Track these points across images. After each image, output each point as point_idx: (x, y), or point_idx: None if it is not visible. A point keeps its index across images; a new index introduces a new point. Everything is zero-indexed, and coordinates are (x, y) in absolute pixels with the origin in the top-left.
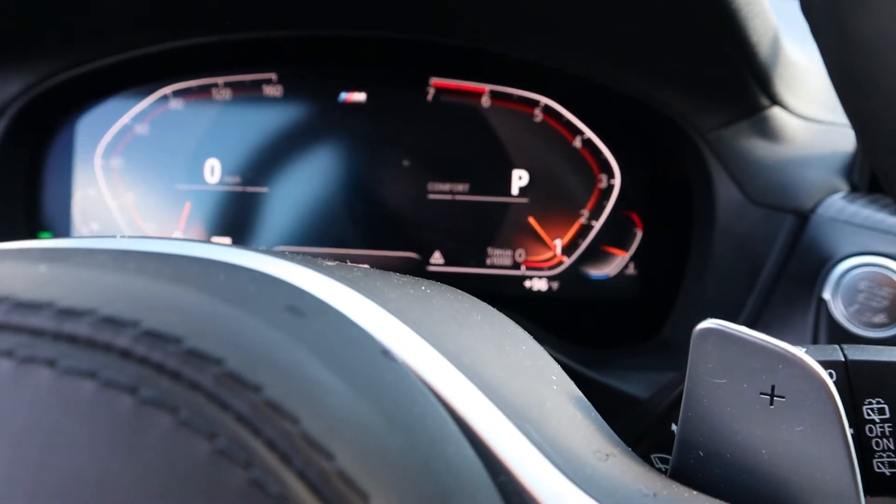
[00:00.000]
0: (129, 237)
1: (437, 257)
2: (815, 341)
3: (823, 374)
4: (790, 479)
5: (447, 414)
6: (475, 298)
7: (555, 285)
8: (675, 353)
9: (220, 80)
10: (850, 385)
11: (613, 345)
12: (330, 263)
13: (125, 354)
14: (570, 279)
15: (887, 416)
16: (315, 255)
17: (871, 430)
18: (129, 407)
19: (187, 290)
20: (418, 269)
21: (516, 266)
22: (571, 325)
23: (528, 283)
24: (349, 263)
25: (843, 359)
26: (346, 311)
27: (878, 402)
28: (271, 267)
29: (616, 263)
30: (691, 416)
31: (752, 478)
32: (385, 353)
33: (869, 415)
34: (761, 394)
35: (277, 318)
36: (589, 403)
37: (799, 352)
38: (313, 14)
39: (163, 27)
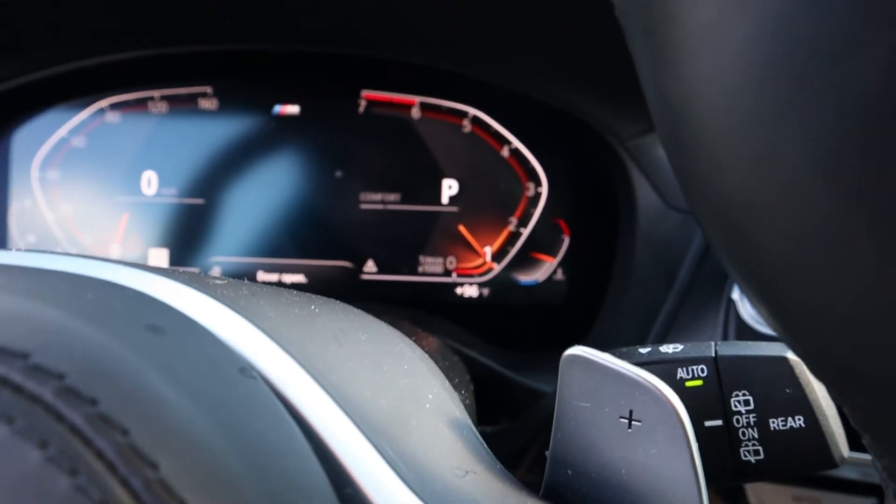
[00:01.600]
0: (25, 251)
1: (370, 266)
2: (724, 339)
3: (674, 399)
4: (646, 499)
5: (297, 429)
6: (371, 318)
7: (485, 291)
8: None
9: (156, 93)
10: (720, 379)
11: (543, 348)
12: (220, 281)
13: None
14: (500, 285)
15: (752, 407)
16: (251, 265)
17: (737, 421)
18: None
19: (44, 307)
20: (352, 278)
21: (447, 273)
22: (502, 330)
23: (459, 290)
24: (249, 281)
25: (713, 355)
26: (213, 329)
27: (744, 395)
28: (144, 284)
29: (544, 269)
30: (560, 436)
31: (614, 497)
32: (243, 370)
33: (736, 406)
34: (621, 417)
35: (131, 335)
36: (467, 422)
37: (653, 379)
38: (247, 29)
39: (99, 40)
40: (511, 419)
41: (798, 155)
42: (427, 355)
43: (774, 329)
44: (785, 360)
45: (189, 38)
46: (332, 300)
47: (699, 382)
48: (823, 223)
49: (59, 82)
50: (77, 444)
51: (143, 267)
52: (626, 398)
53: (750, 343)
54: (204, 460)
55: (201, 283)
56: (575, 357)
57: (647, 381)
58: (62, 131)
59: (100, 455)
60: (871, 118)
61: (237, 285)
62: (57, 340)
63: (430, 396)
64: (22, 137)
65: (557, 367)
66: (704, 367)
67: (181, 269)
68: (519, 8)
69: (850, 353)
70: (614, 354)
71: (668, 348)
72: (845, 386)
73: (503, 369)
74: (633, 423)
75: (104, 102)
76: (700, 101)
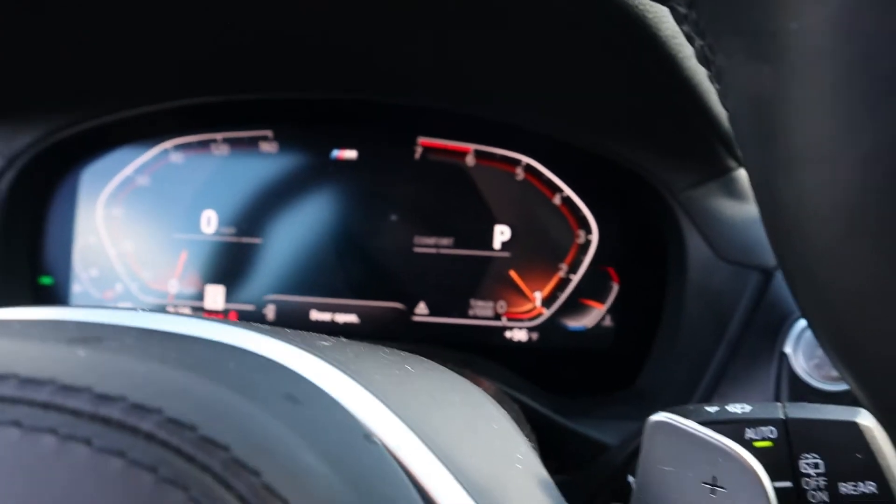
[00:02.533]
0: (148, 312)
1: (421, 308)
2: (777, 393)
3: (758, 468)
4: None
5: (417, 494)
6: (455, 375)
7: (534, 336)
8: (649, 402)
9: (218, 135)
10: (789, 441)
11: (590, 394)
12: (326, 342)
13: (150, 437)
14: (549, 330)
15: (822, 470)
16: (305, 304)
17: (807, 483)
18: (150, 483)
19: (202, 379)
20: (404, 319)
21: (497, 317)
22: (550, 375)
23: (508, 334)
24: (341, 339)
25: (783, 416)
26: (335, 396)
27: (813, 457)
28: (274, 351)
29: (593, 315)
30: (643, 498)
31: None
32: (367, 436)
33: (805, 469)
34: (703, 483)
35: (277, 406)
36: (550, 481)
37: (737, 447)
38: (309, 78)
39: (166, 88)
40: (560, 465)
41: None
42: (508, 414)
43: (856, 391)
44: (856, 424)
45: (252, 85)
46: (419, 357)
47: (769, 444)
48: None
49: (128, 124)
50: None
51: (258, 329)
52: (710, 464)
53: (819, 406)
54: None
55: (313, 346)
56: (661, 423)
57: (731, 448)
58: (128, 170)
59: None
60: None
61: (342, 346)
62: (216, 412)
63: (520, 457)
64: (89, 176)
65: (605, 413)
66: (774, 429)
67: (283, 329)
68: (573, 63)
69: None
70: (677, 412)
71: (735, 408)
72: None
73: (553, 414)
74: (716, 489)
75: (169, 144)
76: (814, 209)
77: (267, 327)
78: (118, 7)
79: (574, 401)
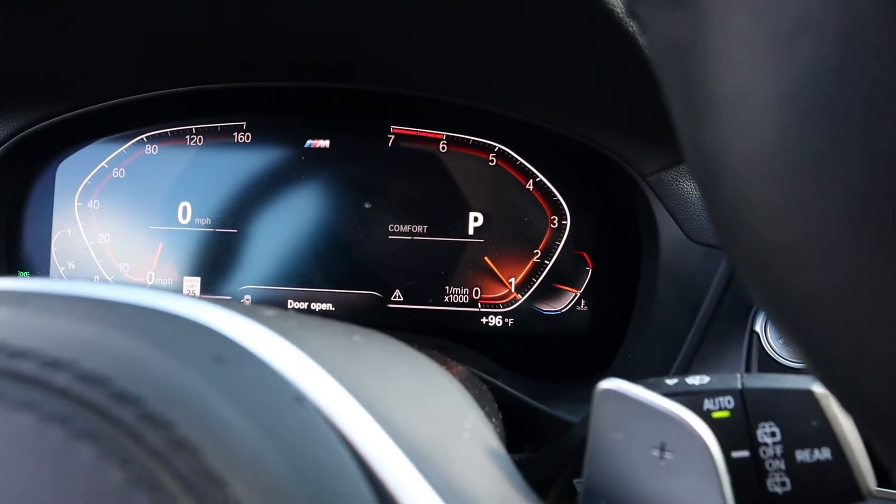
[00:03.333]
0: (100, 283)
1: (397, 295)
2: (747, 371)
3: (706, 433)
4: None
5: (349, 455)
6: (409, 348)
7: (510, 321)
8: None
9: (192, 126)
10: (746, 410)
11: (565, 377)
12: (270, 312)
13: (62, 392)
14: (524, 315)
15: (778, 438)
16: (281, 294)
17: (764, 453)
18: (62, 438)
19: (123, 337)
20: (379, 307)
21: (473, 303)
22: (526, 359)
23: (484, 320)
24: (296, 310)
25: (739, 386)
26: (269, 360)
27: (770, 426)
28: (213, 317)
29: (567, 300)
30: (594, 467)
31: None
32: (298, 399)
33: (762, 438)
34: (653, 449)
35: (199, 364)
36: (503, 452)
37: (685, 412)
38: (282, 67)
39: (140, 80)
40: (536, 447)
41: (830, 206)
42: (462, 386)
43: (807, 365)
44: (811, 392)
45: (224, 75)
46: (371, 330)
47: (726, 413)
48: (857, 270)
49: (103, 116)
50: (155, 465)
51: (199, 299)
52: (659, 431)
53: (776, 375)
54: (268, 482)
55: (254, 314)
56: (608, 390)
57: (678, 414)
58: (103, 162)
59: (176, 475)
60: None
61: (286, 316)
62: (134, 368)
63: (468, 426)
64: (65, 169)
65: (581, 396)
66: (731, 399)
67: (225, 298)
68: (543, 50)
69: (886, 391)
70: (641, 385)
71: (694, 380)
72: (878, 423)
73: (528, 398)
74: (665, 455)
75: (143, 135)
76: (736, 153)
77: (216, 299)
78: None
79: (550, 385)
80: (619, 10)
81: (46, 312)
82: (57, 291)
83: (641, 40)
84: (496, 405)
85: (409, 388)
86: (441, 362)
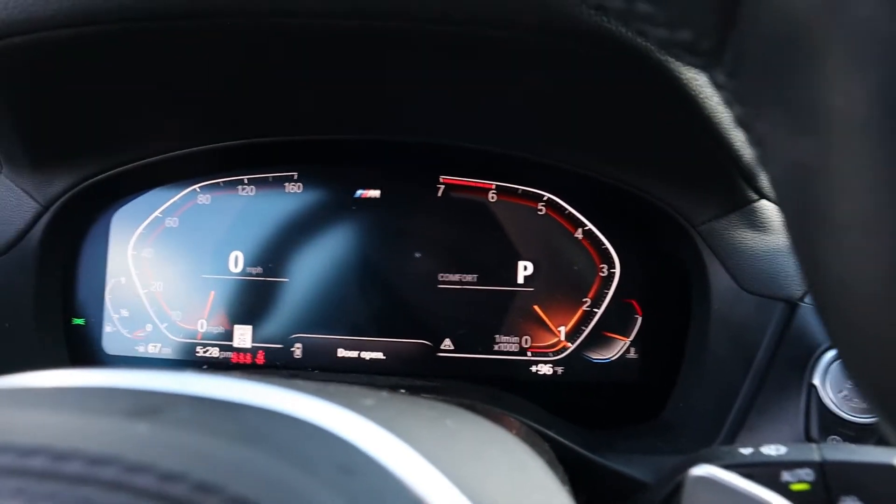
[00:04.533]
0: (196, 375)
1: (447, 344)
2: (806, 425)
3: None
4: None
5: None
6: (491, 425)
7: (559, 369)
8: (676, 434)
9: (245, 177)
10: (826, 484)
11: (616, 426)
12: (369, 401)
13: None
14: (574, 363)
15: None
16: (331, 342)
17: None
18: None
19: (262, 455)
20: (429, 355)
21: (522, 352)
22: (576, 408)
23: (533, 368)
24: (382, 394)
25: (819, 459)
26: (386, 463)
27: (852, 500)
28: (324, 417)
29: (617, 348)
30: None
31: None
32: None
33: None
34: None
35: (334, 480)
36: None
37: (778, 499)
38: (332, 121)
39: (196, 134)
40: (588, 499)
41: None
42: (545, 462)
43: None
44: (894, 468)
45: (276, 129)
46: (460, 410)
47: (806, 486)
48: None
49: (156, 169)
50: None
51: (302, 388)
52: None
53: (855, 447)
54: None
55: (357, 405)
56: (702, 478)
57: (771, 502)
58: (157, 212)
59: None
60: None
61: (384, 404)
62: (282, 492)
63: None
64: (120, 218)
65: (634, 447)
66: (811, 471)
67: (331, 384)
68: (594, 103)
69: None
70: (713, 455)
71: (770, 449)
72: None
73: (581, 449)
74: None
75: (197, 185)
76: (862, 277)
77: (310, 384)
78: (146, 60)
79: (600, 433)
80: (678, 71)
81: (183, 428)
82: (165, 389)
83: (749, 151)
84: (561, 466)
85: (506, 475)
86: (505, 422)
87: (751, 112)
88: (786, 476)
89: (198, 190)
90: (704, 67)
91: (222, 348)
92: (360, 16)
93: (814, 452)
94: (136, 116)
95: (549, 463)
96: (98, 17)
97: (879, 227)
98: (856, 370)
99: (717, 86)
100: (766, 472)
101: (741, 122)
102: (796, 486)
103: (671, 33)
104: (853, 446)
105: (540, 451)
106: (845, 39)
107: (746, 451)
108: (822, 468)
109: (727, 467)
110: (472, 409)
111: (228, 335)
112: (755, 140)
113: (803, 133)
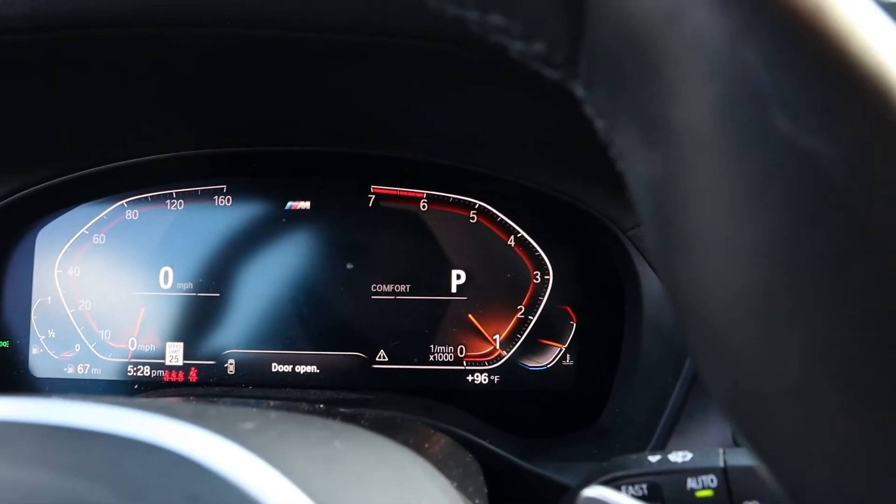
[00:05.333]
0: (57, 400)
1: (382, 356)
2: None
3: None
4: None
5: None
6: (391, 445)
7: (496, 378)
8: (612, 440)
9: (173, 190)
10: (728, 489)
11: (553, 433)
12: (249, 424)
13: None
14: (510, 371)
15: None
16: (265, 357)
17: None
18: None
19: (102, 490)
20: (364, 368)
21: (458, 361)
22: (512, 416)
23: (470, 377)
24: (269, 414)
25: (722, 465)
26: (248, 489)
27: None
28: (186, 444)
29: (553, 355)
30: None
31: None
32: None
33: None
34: None
35: None
36: None
37: None
38: (262, 132)
39: (122, 146)
40: None
41: (806, 355)
42: (443, 481)
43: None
44: None
45: (204, 141)
46: (353, 428)
47: (709, 493)
48: (832, 420)
49: (82, 183)
50: None
51: (175, 413)
52: None
53: None
54: None
55: (233, 429)
56: (591, 499)
57: None
58: (83, 229)
59: None
60: (880, 325)
61: (266, 427)
62: None
63: None
64: (45, 236)
65: (569, 454)
66: (714, 478)
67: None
68: (521, 113)
69: None
70: (625, 462)
71: (677, 456)
72: None
73: (516, 458)
74: None
75: (124, 200)
76: (709, 294)
77: (186, 406)
78: (61, 72)
79: (536, 441)
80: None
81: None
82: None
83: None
84: (482, 478)
85: (382, 493)
86: (426, 437)
87: (609, 125)
88: (691, 483)
89: (125, 205)
90: (564, 80)
91: (154, 367)
92: (245, 25)
93: (718, 458)
94: (58, 131)
95: (463, 475)
96: None
97: (726, 245)
98: (709, 380)
99: (580, 99)
100: (672, 480)
101: (604, 136)
102: (701, 493)
103: (527, 45)
104: None
105: (459, 463)
106: (682, 51)
107: (654, 458)
108: (724, 474)
109: (633, 477)
110: (392, 423)
111: (160, 353)
112: (616, 154)
113: (652, 147)
